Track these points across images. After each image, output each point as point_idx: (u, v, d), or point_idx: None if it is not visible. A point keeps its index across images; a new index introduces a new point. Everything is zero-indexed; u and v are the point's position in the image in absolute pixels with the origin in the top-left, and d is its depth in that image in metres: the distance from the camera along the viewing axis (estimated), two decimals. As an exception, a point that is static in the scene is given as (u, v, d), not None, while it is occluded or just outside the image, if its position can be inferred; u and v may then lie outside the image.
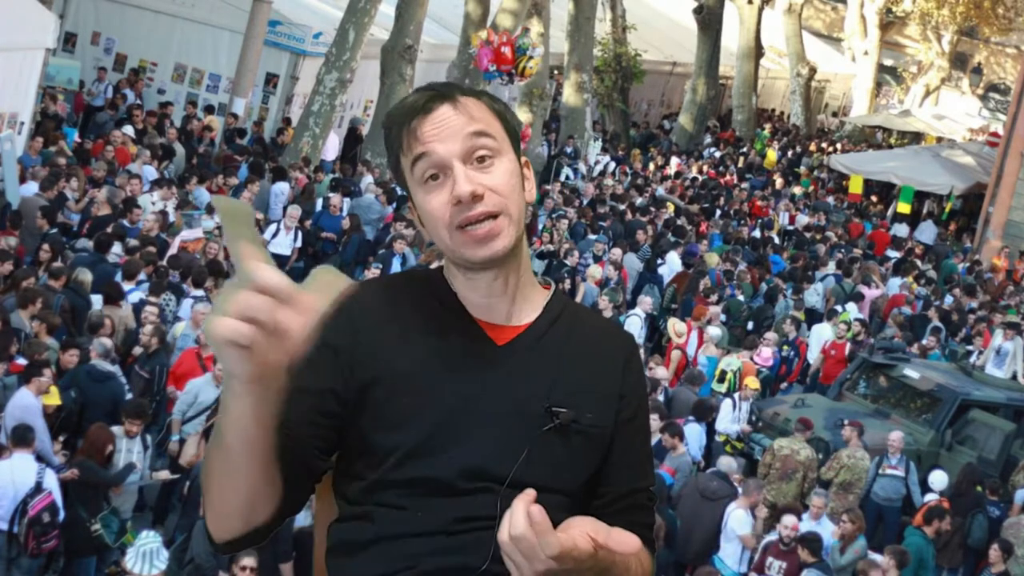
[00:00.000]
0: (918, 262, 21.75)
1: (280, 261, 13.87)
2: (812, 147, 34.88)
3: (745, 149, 32.26)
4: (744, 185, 26.43)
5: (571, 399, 1.87)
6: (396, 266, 13.41)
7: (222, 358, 1.51)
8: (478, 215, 1.80)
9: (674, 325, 13.78)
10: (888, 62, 44.96)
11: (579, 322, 1.99)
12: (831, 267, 19.27)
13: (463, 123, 1.82)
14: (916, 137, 37.61)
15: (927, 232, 26.29)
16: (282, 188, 15.82)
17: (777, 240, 21.44)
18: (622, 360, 1.99)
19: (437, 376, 1.83)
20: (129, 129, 16.93)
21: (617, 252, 16.11)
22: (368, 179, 17.81)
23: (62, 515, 7.80)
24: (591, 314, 2.14)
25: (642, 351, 12.93)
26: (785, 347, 14.94)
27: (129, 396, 9.26)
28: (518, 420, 1.83)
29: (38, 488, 7.66)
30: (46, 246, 11.32)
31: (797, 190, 27.55)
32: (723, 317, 15.20)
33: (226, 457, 1.65)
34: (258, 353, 1.48)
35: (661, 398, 11.78)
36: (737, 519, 9.51)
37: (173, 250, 12.15)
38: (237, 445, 1.62)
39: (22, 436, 7.75)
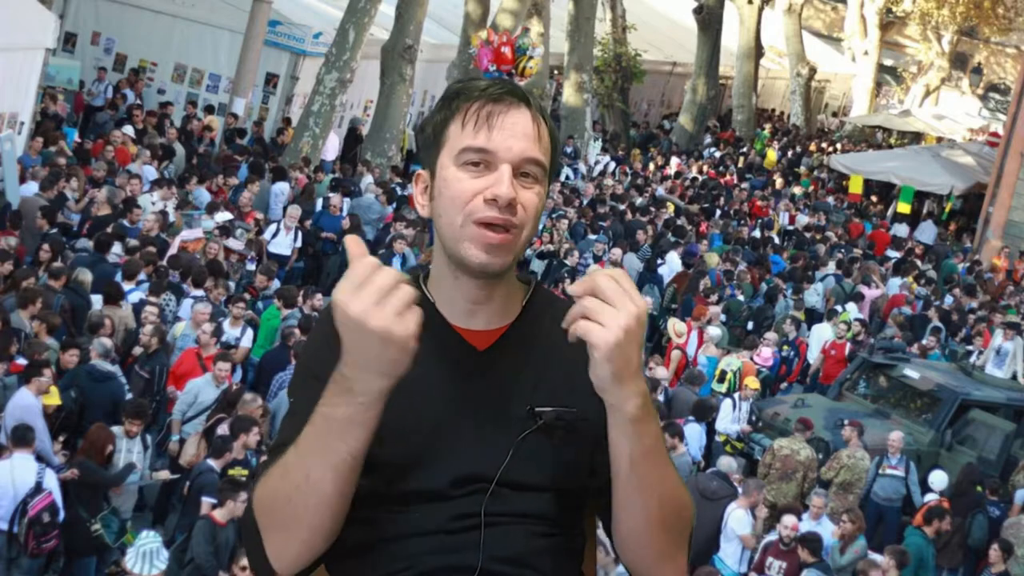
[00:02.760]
0: (918, 262, 21.74)
1: (280, 261, 13.87)
2: (812, 147, 34.87)
3: (745, 149, 32.25)
4: (744, 185, 26.42)
5: (555, 397, 1.85)
6: (396, 266, 13.41)
7: (384, 358, 1.59)
8: (503, 220, 1.78)
9: (674, 325, 13.78)
10: (888, 62, 44.95)
11: (561, 317, 1.98)
12: (831, 267, 19.26)
13: (532, 135, 1.83)
14: (916, 137, 37.59)
15: (927, 232, 26.28)
16: (282, 188, 15.81)
17: (777, 240, 21.43)
18: None
19: (419, 389, 1.80)
20: (129, 129, 16.92)
21: (617, 252, 16.11)
22: (368, 179, 17.80)
23: (62, 515, 7.80)
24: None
25: (642, 351, 12.92)
26: (785, 347, 14.93)
27: (129, 396, 9.26)
28: (503, 423, 1.82)
29: (38, 488, 7.66)
30: (46, 246, 11.31)
31: (797, 190, 27.54)
32: (723, 317, 15.19)
33: (343, 483, 1.69)
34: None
35: (661, 398, 11.78)
36: (737, 519, 9.51)
37: (173, 250, 12.14)
38: (359, 463, 1.69)
39: (22, 436, 7.75)
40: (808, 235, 22.30)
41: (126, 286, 10.88)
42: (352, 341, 1.60)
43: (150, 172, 14.96)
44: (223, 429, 8.75)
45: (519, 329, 1.91)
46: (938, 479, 11.19)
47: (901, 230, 25.79)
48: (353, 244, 1.64)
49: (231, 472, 8.28)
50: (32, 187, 13.02)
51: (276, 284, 12.52)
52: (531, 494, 1.82)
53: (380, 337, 1.57)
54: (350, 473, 1.68)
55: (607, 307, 1.64)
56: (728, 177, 27.46)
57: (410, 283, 1.94)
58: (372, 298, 1.58)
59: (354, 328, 1.58)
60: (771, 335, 14.55)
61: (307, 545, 1.74)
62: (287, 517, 1.71)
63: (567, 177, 23.14)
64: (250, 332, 11.07)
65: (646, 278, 16.42)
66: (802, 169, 31.07)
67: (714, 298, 15.12)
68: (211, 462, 8.45)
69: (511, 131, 1.80)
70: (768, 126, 36.51)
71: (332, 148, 19.36)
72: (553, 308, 1.98)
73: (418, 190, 1.92)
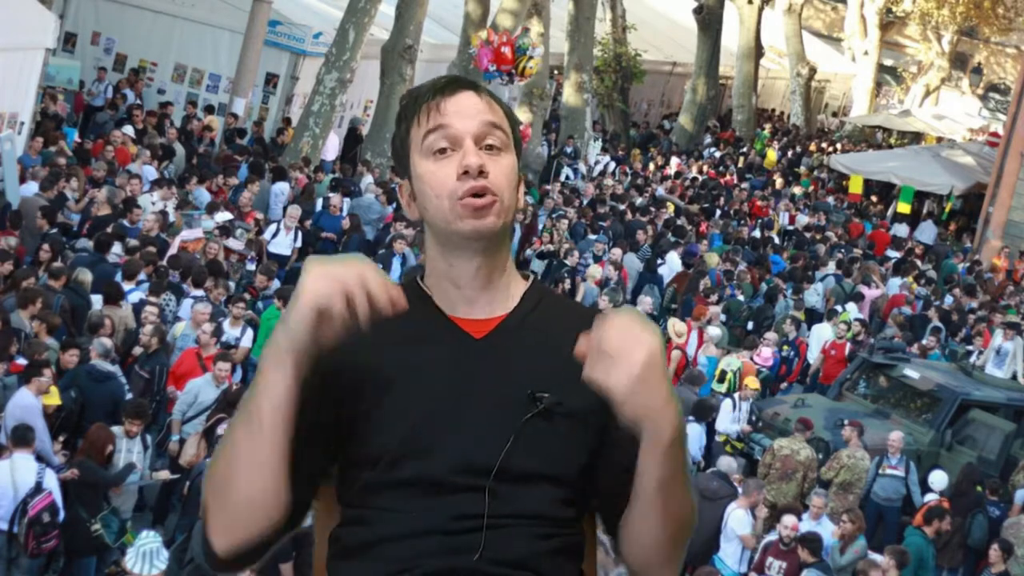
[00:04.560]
0: (918, 262, 21.74)
1: (280, 261, 13.87)
2: (812, 147, 34.87)
3: (745, 149, 32.25)
4: (744, 185, 26.43)
5: (555, 384, 1.85)
6: (396, 266, 13.41)
7: (295, 316, 1.68)
8: (481, 187, 1.84)
9: (674, 325, 13.78)
10: (888, 62, 44.95)
11: (559, 309, 1.99)
12: (831, 267, 19.27)
13: (483, 108, 1.90)
14: (916, 137, 37.60)
15: (927, 232, 26.29)
16: (282, 188, 15.82)
17: (777, 240, 21.43)
18: None
19: (417, 377, 1.83)
20: (129, 129, 16.93)
21: (617, 252, 16.11)
22: (368, 179, 17.81)
23: (62, 515, 7.80)
24: (571, 302, 2.14)
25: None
26: (785, 347, 14.93)
27: (129, 396, 9.26)
28: (502, 410, 1.83)
29: (38, 488, 7.66)
30: (46, 246, 11.32)
31: (797, 190, 27.55)
32: (723, 317, 15.19)
33: (252, 432, 1.72)
34: (328, 326, 1.67)
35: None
36: (737, 519, 9.51)
37: (173, 250, 12.15)
38: (268, 416, 1.71)
39: (22, 436, 7.75)
40: (808, 235, 22.30)
41: (126, 286, 10.88)
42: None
43: (150, 172, 14.96)
44: (223, 429, 8.74)
45: (516, 318, 1.92)
46: (938, 479, 11.19)
47: (901, 230, 25.79)
48: None
49: (231, 472, 8.26)
50: (32, 187, 13.02)
51: (276, 284, 12.52)
52: (533, 487, 1.82)
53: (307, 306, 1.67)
54: (259, 433, 1.71)
55: (615, 352, 1.68)
56: (728, 177, 27.47)
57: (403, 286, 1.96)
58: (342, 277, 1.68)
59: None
60: (771, 335, 14.55)
61: (235, 518, 1.75)
62: (219, 485, 1.75)
63: (567, 177, 23.15)
64: (250, 332, 11.07)
65: (646, 278, 16.43)
66: (802, 169, 31.08)
67: (714, 298, 15.11)
68: (211, 462, 8.44)
69: (464, 111, 1.88)
70: (768, 126, 36.51)
71: (332, 148, 19.37)
72: (552, 300, 2.01)
73: (404, 200, 1.98)
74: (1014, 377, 14.32)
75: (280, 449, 1.72)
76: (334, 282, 1.66)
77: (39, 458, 7.96)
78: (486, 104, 1.91)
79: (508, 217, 1.90)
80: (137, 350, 10.11)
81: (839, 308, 16.41)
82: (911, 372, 13.43)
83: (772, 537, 9.45)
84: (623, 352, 1.68)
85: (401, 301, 1.70)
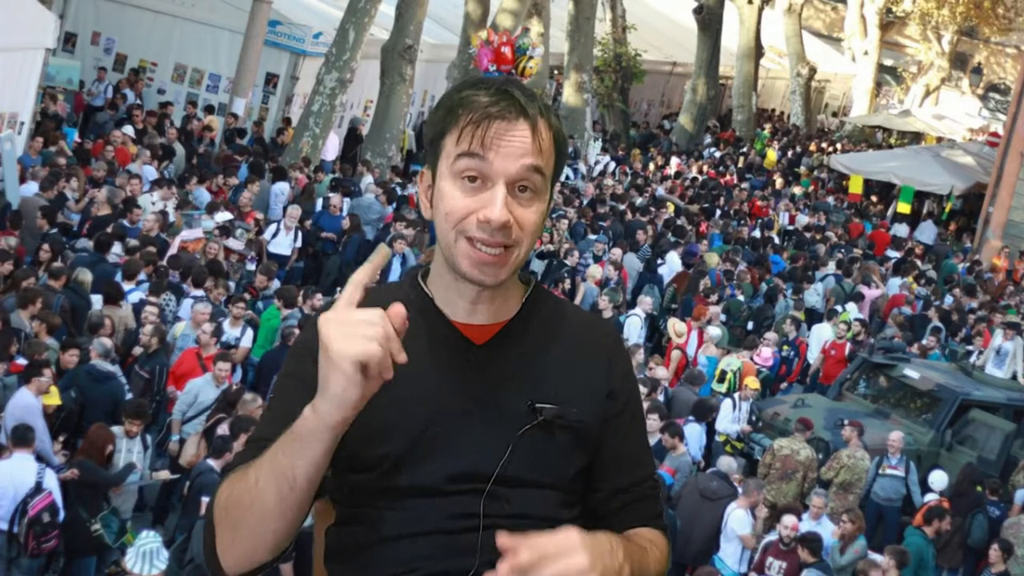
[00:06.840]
0: (918, 262, 21.74)
1: (280, 261, 13.87)
2: (812, 147, 34.87)
3: (745, 149, 32.26)
4: (744, 185, 26.43)
5: (555, 394, 1.85)
6: (396, 266, 13.42)
7: (336, 386, 1.53)
8: (496, 242, 1.78)
9: (674, 325, 13.78)
10: (888, 62, 44.96)
11: (561, 316, 1.97)
12: (831, 267, 19.27)
13: (529, 149, 1.79)
14: (916, 137, 37.59)
15: (927, 232, 26.29)
16: (282, 188, 15.81)
17: (777, 240, 21.43)
18: (607, 352, 1.96)
19: (416, 384, 1.80)
20: (129, 129, 16.92)
21: (617, 252, 16.11)
22: (368, 179, 17.81)
23: (62, 515, 7.80)
24: (573, 308, 2.12)
25: (642, 351, 12.93)
26: (785, 347, 14.93)
27: (129, 396, 9.26)
28: (502, 419, 1.82)
29: (38, 488, 7.66)
30: (46, 246, 11.32)
31: (797, 190, 27.55)
32: (723, 317, 15.19)
33: (284, 493, 1.64)
34: (375, 380, 1.54)
35: (661, 398, 11.78)
36: (737, 519, 9.51)
37: (173, 250, 12.15)
38: (303, 483, 1.63)
39: (22, 436, 7.75)
40: (808, 235, 22.30)
41: (126, 286, 10.88)
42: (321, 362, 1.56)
43: (150, 172, 14.96)
44: (223, 429, 8.75)
45: (517, 325, 1.91)
46: (938, 479, 11.19)
47: (901, 230, 25.79)
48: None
49: (231, 472, 8.26)
50: (32, 187, 13.02)
51: (276, 284, 12.52)
52: (530, 492, 1.82)
53: (338, 362, 1.54)
54: (290, 493, 1.64)
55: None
56: (728, 177, 27.46)
57: (394, 288, 1.91)
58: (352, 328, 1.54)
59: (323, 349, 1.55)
60: (771, 335, 14.55)
61: (250, 549, 1.70)
62: (237, 518, 1.69)
63: (567, 177, 23.13)
64: (250, 332, 11.07)
65: (646, 278, 16.43)
66: (802, 169, 31.08)
67: (714, 298, 15.11)
68: (211, 462, 8.45)
69: (508, 150, 1.77)
70: (768, 126, 36.52)
71: (332, 148, 19.37)
72: (552, 305, 1.99)
73: (422, 189, 1.91)
74: (1014, 377, 14.32)
75: (307, 504, 1.68)
76: (363, 336, 1.53)
77: (39, 458, 7.95)
78: (535, 143, 1.79)
79: (518, 265, 1.84)
80: (137, 350, 10.11)
81: (839, 308, 16.41)
82: (911, 372, 13.43)
83: (772, 537, 9.44)
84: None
85: (403, 321, 1.58)
